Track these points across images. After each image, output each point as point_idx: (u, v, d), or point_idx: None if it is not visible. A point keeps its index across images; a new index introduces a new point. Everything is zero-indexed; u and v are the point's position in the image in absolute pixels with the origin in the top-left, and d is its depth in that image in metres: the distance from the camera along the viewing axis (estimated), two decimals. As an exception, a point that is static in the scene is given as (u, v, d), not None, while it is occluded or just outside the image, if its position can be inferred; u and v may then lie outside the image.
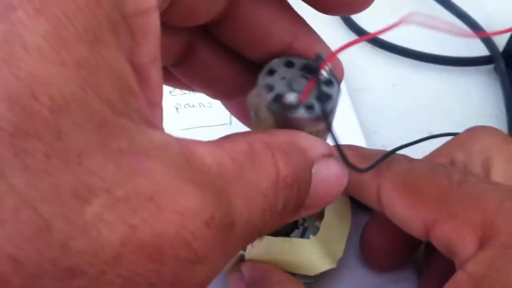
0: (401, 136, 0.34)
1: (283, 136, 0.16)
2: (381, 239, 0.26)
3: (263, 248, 0.24)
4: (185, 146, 0.13)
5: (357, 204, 0.27)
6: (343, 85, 0.38)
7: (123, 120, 0.11)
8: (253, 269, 0.24)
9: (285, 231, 0.25)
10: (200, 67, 0.20)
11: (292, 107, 0.17)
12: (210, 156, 0.13)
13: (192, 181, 0.12)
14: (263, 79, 0.18)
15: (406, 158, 0.23)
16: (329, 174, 0.17)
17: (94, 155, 0.11)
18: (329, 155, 0.17)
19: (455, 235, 0.20)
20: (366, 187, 0.23)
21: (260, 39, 0.19)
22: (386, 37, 0.40)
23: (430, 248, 0.26)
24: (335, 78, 0.18)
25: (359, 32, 0.40)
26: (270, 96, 0.17)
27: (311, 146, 0.16)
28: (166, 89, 0.37)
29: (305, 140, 0.17)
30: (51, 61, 0.11)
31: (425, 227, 0.21)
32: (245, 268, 0.24)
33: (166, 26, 0.17)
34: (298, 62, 0.18)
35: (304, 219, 0.26)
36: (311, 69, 0.18)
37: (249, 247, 0.24)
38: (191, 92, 0.38)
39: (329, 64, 0.18)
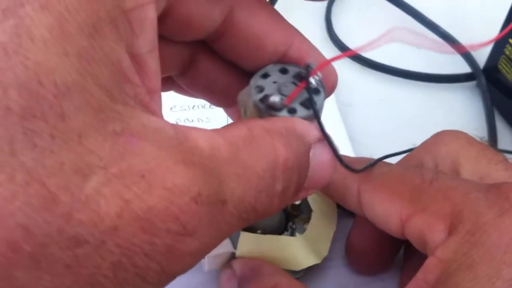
0: (387, 148, 0.36)
1: (282, 122, 0.17)
2: (364, 244, 0.28)
3: (253, 245, 0.26)
4: (181, 131, 0.14)
5: (343, 210, 0.29)
6: (333, 100, 0.41)
7: (119, 106, 0.13)
8: (244, 264, 0.25)
9: (276, 231, 0.27)
10: (202, 77, 0.22)
11: (275, 108, 0.18)
12: (205, 140, 0.14)
13: (183, 162, 0.13)
14: (255, 80, 0.20)
15: (384, 163, 0.25)
16: (324, 158, 0.18)
17: (92, 136, 0.12)
18: (322, 140, 0.18)
19: (426, 226, 0.21)
20: (348, 191, 0.25)
21: (256, 51, 0.20)
22: (374, 56, 0.42)
23: (408, 247, 0.28)
24: (323, 88, 0.20)
25: (345, 50, 0.43)
26: (258, 96, 0.19)
27: (307, 131, 0.18)
28: (167, 105, 0.40)
29: (302, 125, 0.18)
30: (55, 51, 0.12)
31: (401, 222, 0.22)
32: (236, 264, 0.25)
33: (168, 40, 0.19)
34: (292, 69, 0.20)
35: (293, 222, 0.28)
36: (302, 77, 0.20)
37: (239, 244, 0.25)
38: (191, 108, 0.40)
39: (319, 73, 0.19)
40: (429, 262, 0.20)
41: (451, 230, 0.20)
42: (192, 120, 0.40)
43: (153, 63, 0.15)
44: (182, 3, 0.18)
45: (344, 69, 0.42)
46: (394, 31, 0.18)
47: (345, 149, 0.36)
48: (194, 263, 0.14)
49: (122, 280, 0.12)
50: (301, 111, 0.19)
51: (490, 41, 0.24)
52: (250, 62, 0.21)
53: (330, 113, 0.39)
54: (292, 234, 0.27)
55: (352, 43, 0.43)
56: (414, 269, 0.21)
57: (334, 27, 0.44)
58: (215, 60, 0.21)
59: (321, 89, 0.20)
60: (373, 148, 0.36)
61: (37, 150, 0.11)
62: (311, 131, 0.18)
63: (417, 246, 0.23)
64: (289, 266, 0.26)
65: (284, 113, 0.18)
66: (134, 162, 0.13)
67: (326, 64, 0.20)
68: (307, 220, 0.28)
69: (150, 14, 0.14)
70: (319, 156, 0.18)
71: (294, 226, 0.28)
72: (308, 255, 0.26)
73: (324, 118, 0.35)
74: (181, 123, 0.39)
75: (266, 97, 0.19)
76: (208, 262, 0.26)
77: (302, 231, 0.27)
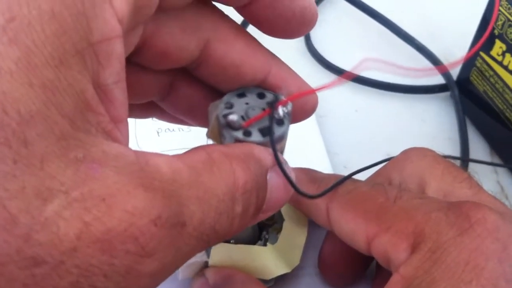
0: (362, 157, 0.37)
1: (240, 148, 0.18)
2: (336, 258, 0.29)
3: (225, 255, 0.26)
4: (142, 157, 0.15)
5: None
6: (311, 111, 0.41)
7: (81, 134, 0.13)
8: (217, 273, 0.26)
9: (249, 242, 0.28)
10: (183, 101, 0.22)
11: (233, 126, 0.19)
12: (166, 165, 0.15)
13: (143, 186, 0.14)
14: (229, 97, 0.21)
15: (351, 180, 0.26)
16: (280, 181, 0.19)
17: (54, 162, 0.13)
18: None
19: (390, 245, 0.22)
20: (317, 208, 0.26)
21: (234, 78, 0.21)
22: (349, 67, 0.43)
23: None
24: (288, 120, 0.20)
25: (325, 63, 0.44)
26: (224, 111, 0.20)
27: (264, 156, 0.19)
28: (148, 115, 0.40)
29: (259, 150, 0.19)
30: (21, 82, 0.12)
31: (367, 240, 0.23)
32: (209, 273, 0.26)
33: (147, 68, 0.20)
34: (268, 96, 0.21)
35: (267, 232, 0.29)
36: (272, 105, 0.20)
37: (212, 253, 0.26)
38: (171, 118, 0.41)
39: (289, 105, 0.20)
40: (393, 279, 0.21)
41: (414, 248, 0.21)
42: (173, 130, 0.40)
43: (119, 94, 0.15)
44: (157, 36, 0.18)
45: (320, 80, 0.42)
46: (366, 62, 0.19)
47: (321, 158, 0.37)
48: (155, 284, 0.15)
49: None
50: (256, 136, 0.19)
51: (459, 61, 0.25)
52: (229, 87, 0.21)
53: (308, 124, 0.40)
54: (265, 244, 0.28)
55: (330, 55, 0.44)
56: (384, 282, 0.22)
57: (312, 40, 0.45)
58: (195, 84, 0.22)
59: (285, 121, 0.20)
60: (349, 159, 0.38)
61: None
62: (268, 156, 0.19)
63: (382, 264, 0.23)
64: (260, 275, 0.27)
65: (239, 133, 0.19)
66: (95, 187, 0.13)
67: (296, 97, 0.20)
68: (280, 229, 0.29)
69: (117, 48, 0.15)
70: (275, 179, 0.19)
71: (267, 236, 0.29)
72: (278, 264, 0.27)
73: (301, 129, 0.36)
74: (163, 132, 0.40)
75: (228, 114, 0.20)
76: (182, 271, 0.27)
77: (275, 240, 0.28)
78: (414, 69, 0.21)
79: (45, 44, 0.13)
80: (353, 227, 0.24)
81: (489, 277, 0.19)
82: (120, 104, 0.15)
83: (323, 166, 0.37)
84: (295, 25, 0.20)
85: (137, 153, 0.15)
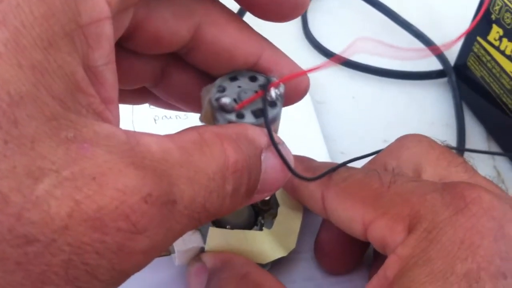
0: (359, 144, 0.37)
1: (233, 128, 0.18)
2: (333, 246, 0.29)
3: (221, 240, 0.26)
4: (132, 136, 0.15)
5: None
6: (308, 98, 0.41)
7: (71, 114, 0.14)
8: (214, 257, 0.26)
9: (245, 227, 0.28)
10: (176, 87, 0.22)
11: (225, 109, 0.19)
12: (156, 145, 0.15)
13: (133, 164, 0.14)
14: (221, 80, 0.21)
15: (345, 168, 0.26)
16: (276, 162, 0.19)
17: (45, 142, 0.13)
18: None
19: (387, 229, 0.22)
20: (312, 197, 0.26)
21: (226, 63, 0.21)
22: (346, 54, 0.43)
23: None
24: (281, 101, 0.20)
25: (321, 50, 0.44)
26: (216, 95, 0.20)
27: (258, 136, 0.19)
28: (145, 103, 0.40)
29: (252, 130, 0.19)
30: (10, 64, 0.12)
31: (364, 227, 0.23)
32: (206, 257, 0.26)
33: (139, 53, 0.20)
34: (260, 79, 0.21)
35: (263, 217, 0.29)
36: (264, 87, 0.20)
37: (208, 239, 0.26)
38: (168, 106, 0.41)
39: (281, 87, 0.20)
40: (389, 260, 0.21)
41: (410, 230, 0.21)
42: (170, 117, 0.40)
43: (109, 75, 0.15)
44: (148, 21, 0.18)
45: (319, 66, 0.43)
46: (357, 43, 0.19)
47: (318, 145, 0.37)
48: (147, 261, 0.15)
49: (73, 278, 0.13)
50: (249, 118, 0.19)
51: (452, 43, 0.25)
52: (221, 72, 0.21)
53: (305, 110, 0.40)
54: (261, 229, 0.28)
55: (327, 42, 0.44)
56: (380, 265, 0.22)
57: (310, 26, 0.45)
58: (187, 69, 0.22)
59: (278, 103, 0.20)
60: (346, 145, 0.38)
61: None
62: (262, 136, 0.19)
63: (379, 249, 0.23)
64: (256, 259, 0.27)
65: (232, 116, 0.19)
66: (86, 166, 0.13)
67: (287, 79, 0.20)
68: (276, 215, 0.29)
69: (106, 29, 0.15)
70: (271, 159, 0.19)
71: (262, 221, 0.29)
72: (274, 248, 0.27)
73: (299, 115, 0.36)
74: (159, 120, 0.40)
75: (220, 98, 0.20)
76: (178, 257, 0.27)
77: (271, 226, 0.28)
78: (406, 49, 0.21)
79: (33, 26, 0.13)
80: (349, 215, 0.24)
81: (484, 254, 0.19)
82: (110, 86, 0.15)
83: (320, 153, 0.37)
84: (287, 9, 0.20)
85: (127, 133, 0.15)
